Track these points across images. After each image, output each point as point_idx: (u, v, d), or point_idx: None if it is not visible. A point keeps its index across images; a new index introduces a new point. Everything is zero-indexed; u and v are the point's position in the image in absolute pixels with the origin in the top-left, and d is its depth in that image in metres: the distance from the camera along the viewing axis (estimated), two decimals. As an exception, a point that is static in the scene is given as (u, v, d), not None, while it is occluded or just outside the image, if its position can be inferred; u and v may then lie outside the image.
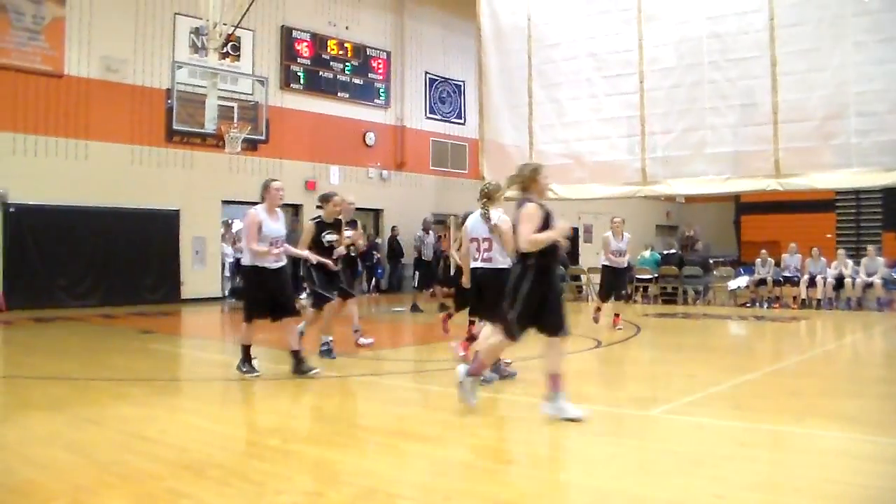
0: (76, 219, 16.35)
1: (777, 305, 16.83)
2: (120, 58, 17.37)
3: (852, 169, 14.17)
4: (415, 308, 16.47)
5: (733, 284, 18.24)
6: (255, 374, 7.78)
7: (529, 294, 5.76)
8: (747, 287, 17.76)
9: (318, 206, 9.54)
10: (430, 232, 17.63)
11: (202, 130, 18.20)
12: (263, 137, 19.63)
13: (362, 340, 10.23)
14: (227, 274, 19.64)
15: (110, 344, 11.28)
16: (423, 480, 4.39)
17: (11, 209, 15.65)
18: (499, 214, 7.46)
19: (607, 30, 17.18)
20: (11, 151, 15.72)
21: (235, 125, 18.46)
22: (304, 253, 8.66)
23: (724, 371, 8.31)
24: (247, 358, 7.85)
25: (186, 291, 18.22)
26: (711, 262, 19.55)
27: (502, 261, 7.27)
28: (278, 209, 7.90)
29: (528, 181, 6.15)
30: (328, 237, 9.15)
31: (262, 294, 7.66)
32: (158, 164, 17.93)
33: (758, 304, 17.17)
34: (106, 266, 16.86)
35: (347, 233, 9.62)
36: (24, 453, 4.93)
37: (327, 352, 9.04)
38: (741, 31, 15.42)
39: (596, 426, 5.90)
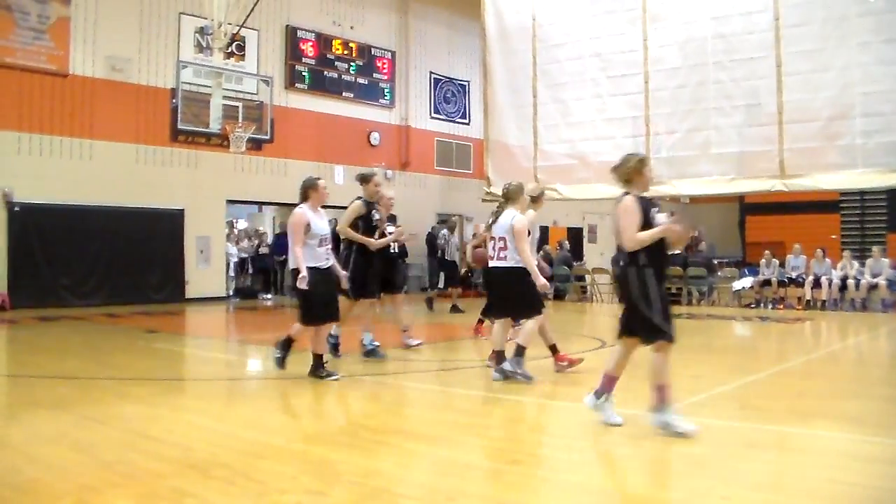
0: (81, 218, 16.37)
1: (781, 306, 16.80)
2: (125, 57, 17.39)
3: (857, 169, 14.16)
4: (455, 309, 16.08)
5: (738, 285, 18.19)
6: (335, 377, 7.42)
7: (660, 293, 5.36)
8: (752, 288, 17.71)
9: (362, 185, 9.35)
10: (454, 231, 17.33)
11: (207, 130, 18.24)
12: (268, 137, 19.64)
13: (410, 341, 9.89)
14: (232, 273, 19.66)
15: (115, 343, 11.29)
16: (428, 480, 4.39)
17: (16, 208, 15.67)
18: (513, 214, 7.40)
19: (612, 30, 17.18)
20: (16, 151, 15.75)
21: (240, 125, 18.49)
22: (363, 238, 8.66)
23: (730, 372, 8.29)
24: (319, 363, 7.49)
25: (191, 291, 18.23)
26: (716, 262, 19.51)
27: (514, 260, 7.30)
28: (320, 207, 7.70)
29: (633, 173, 5.86)
30: (377, 215, 9.02)
31: (318, 295, 7.31)
32: (163, 164, 17.95)
33: (762, 304, 17.14)
34: (110, 265, 16.88)
35: (389, 229, 9.45)
36: (29, 452, 4.93)
37: (372, 352, 8.72)
38: (746, 31, 15.41)
39: (600, 427, 5.89)
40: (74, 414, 6.09)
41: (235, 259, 19.67)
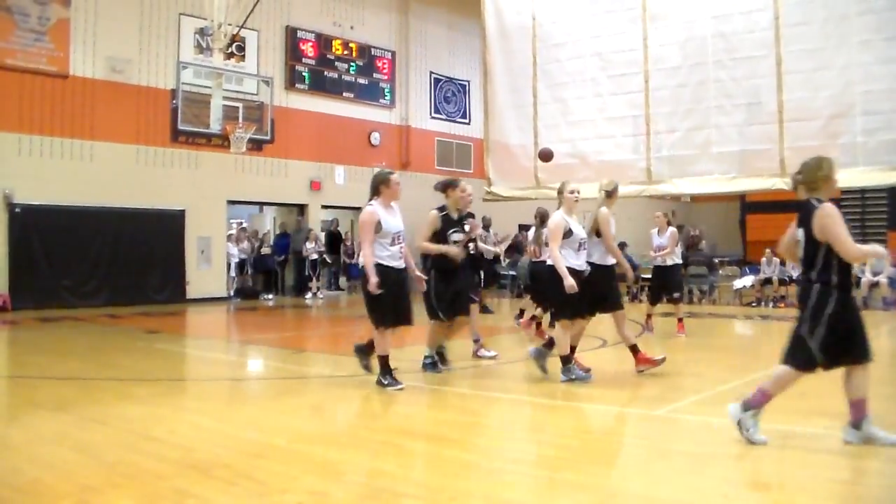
0: (82, 219, 16.37)
1: (782, 305, 16.79)
2: (125, 58, 17.39)
3: (858, 168, 14.13)
4: (485, 310, 15.91)
5: (739, 284, 18.20)
6: (399, 386, 6.90)
7: (834, 317, 4.87)
8: (752, 286, 17.71)
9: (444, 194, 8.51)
10: (490, 229, 16.41)
11: (207, 130, 18.25)
12: (268, 137, 19.66)
13: (483, 352, 9.14)
14: (234, 274, 19.66)
15: (116, 344, 11.29)
16: (429, 480, 4.39)
17: (17, 209, 15.67)
18: (559, 214, 7.29)
19: (612, 29, 17.16)
20: (17, 152, 15.75)
21: (240, 125, 18.50)
22: (441, 247, 7.88)
23: (731, 370, 8.29)
24: (386, 369, 6.98)
25: (192, 291, 18.24)
26: (717, 261, 19.52)
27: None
28: (394, 202, 7.22)
29: (820, 180, 5.39)
30: (455, 236, 8.09)
31: (387, 296, 6.81)
32: (164, 165, 17.95)
33: (763, 303, 17.14)
34: (111, 266, 16.89)
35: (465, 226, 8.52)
36: (31, 453, 4.94)
37: (432, 365, 7.97)
38: (747, 30, 15.39)
39: (603, 425, 5.90)
40: (75, 415, 6.09)
41: (236, 260, 19.65)
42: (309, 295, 20.15)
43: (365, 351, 7.46)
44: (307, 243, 20.37)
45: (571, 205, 7.38)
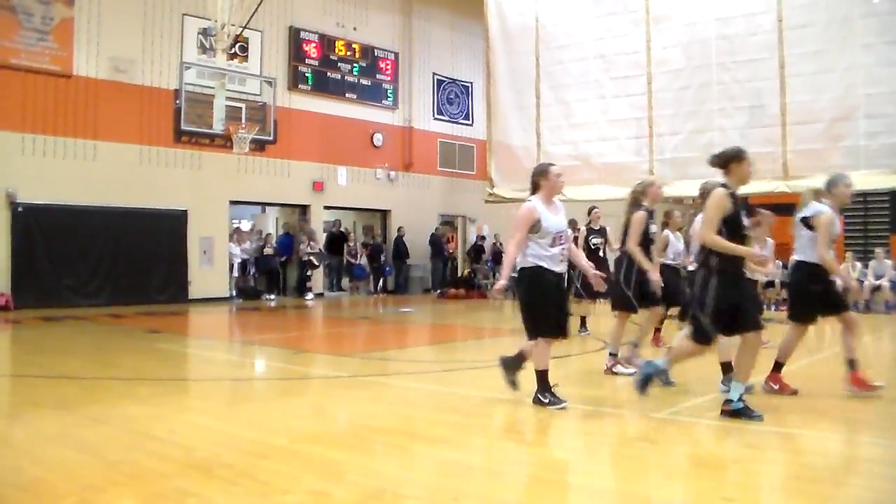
0: (84, 218, 16.40)
1: (785, 308, 16.76)
2: (128, 58, 17.41)
3: (860, 171, 14.10)
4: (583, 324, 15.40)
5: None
6: (562, 404, 6.14)
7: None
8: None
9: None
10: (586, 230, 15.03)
11: (210, 131, 18.29)
12: (271, 138, 19.68)
13: (620, 368, 7.98)
14: (236, 274, 19.68)
15: (118, 343, 11.30)
16: (431, 481, 4.39)
17: (20, 209, 15.70)
18: (699, 218, 7.10)
19: (615, 31, 17.16)
20: (20, 151, 15.78)
21: (243, 126, 18.53)
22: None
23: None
24: (545, 385, 6.21)
25: (194, 291, 18.25)
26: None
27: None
28: (556, 199, 6.53)
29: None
30: (654, 227, 7.92)
31: (549, 304, 6.21)
32: (166, 165, 17.97)
33: (766, 306, 17.11)
34: (114, 265, 16.91)
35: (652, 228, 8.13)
36: (33, 452, 4.94)
37: (741, 411, 5.80)
38: (749, 32, 15.39)
39: (604, 428, 5.89)
40: (78, 414, 6.09)
41: (238, 260, 19.67)
42: (310, 295, 20.14)
43: (513, 365, 6.59)
44: (300, 245, 20.40)
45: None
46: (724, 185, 5.90)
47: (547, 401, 6.13)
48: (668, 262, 9.45)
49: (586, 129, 17.59)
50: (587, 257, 10.95)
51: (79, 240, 16.37)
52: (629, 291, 7.83)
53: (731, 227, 5.68)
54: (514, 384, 6.53)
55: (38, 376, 8.03)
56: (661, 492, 4.19)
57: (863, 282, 16.18)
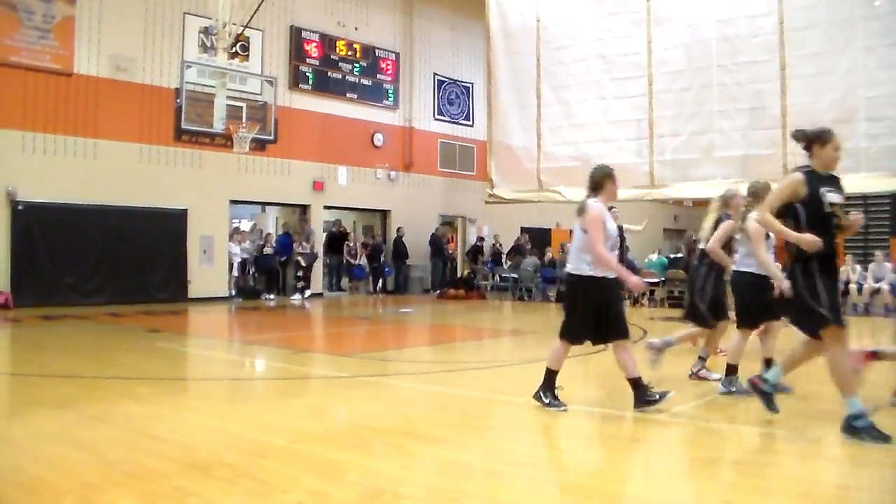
0: (85, 217, 16.40)
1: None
2: (129, 57, 17.42)
3: (861, 173, 14.11)
4: None
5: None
6: (562, 407, 6.10)
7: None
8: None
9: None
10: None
11: (211, 130, 18.29)
12: (272, 137, 19.68)
13: (709, 374, 7.64)
14: (236, 273, 19.68)
15: (118, 342, 11.31)
16: (430, 481, 4.39)
17: (20, 207, 15.69)
18: (752, 215, 6.68)
19: (616, 32, 17.16)
20: (21, 149, 15.78)
21: (244, 125, 18.53)
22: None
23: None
24: (552, 385, 6.18)
25: (194, 290, 18.25)
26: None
27: (745, 263, 6.83)
28: (611, 204, 6.49)
29: None
30: (830, 196, 6.50)
31: (592, 310, 6.09)
32: (167, 163, 17.97)
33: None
34: (114, 264, 16.91)
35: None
36: (33, 451, 4.94)
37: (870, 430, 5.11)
38: (751, 34, 15.39)
39: (603, 429, 5.89)
40: (77, 413, 6.09)
41: (238, 259, 19.66)
42: (296, 296, 19.99)
43: (641, 389, 6.07)
44: (294, 245, 20.39)
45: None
46: (805, 169, 5.46)
47: (548, 401, 6.10)
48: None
49: (587, 130, 17.59)
50: None
51: (79, 238, 16.37)
52: (703, 305, 7.60)
53: (811, 213, 5.26)
54: (646, 401, 6.02)
55: (38, 375, 8.03)
56: (660, 493, 4.19)
57: (862, 285, 16.17)
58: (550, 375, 6.16)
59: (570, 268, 6.23)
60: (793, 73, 14.83)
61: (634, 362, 6.09)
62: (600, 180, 6.23)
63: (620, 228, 11.88)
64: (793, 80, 14.83)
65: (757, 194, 6.83)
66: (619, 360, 6.10)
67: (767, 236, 6.56)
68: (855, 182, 14.58)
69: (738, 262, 7.00)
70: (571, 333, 6.17)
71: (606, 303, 6.07)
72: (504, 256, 23.65)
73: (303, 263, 20.31)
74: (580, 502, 4.07)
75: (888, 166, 13.92)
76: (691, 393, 6.90)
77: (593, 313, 6.05)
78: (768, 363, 6.91)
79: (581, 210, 6.14)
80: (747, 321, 6.99)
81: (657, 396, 5.98)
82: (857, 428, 5.06)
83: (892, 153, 13.91)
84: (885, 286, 15.91)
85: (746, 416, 6.18)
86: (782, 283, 5.78)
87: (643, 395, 5.97)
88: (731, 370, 6.91)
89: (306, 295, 20.11)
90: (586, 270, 6.03)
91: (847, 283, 16.26)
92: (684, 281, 18.23)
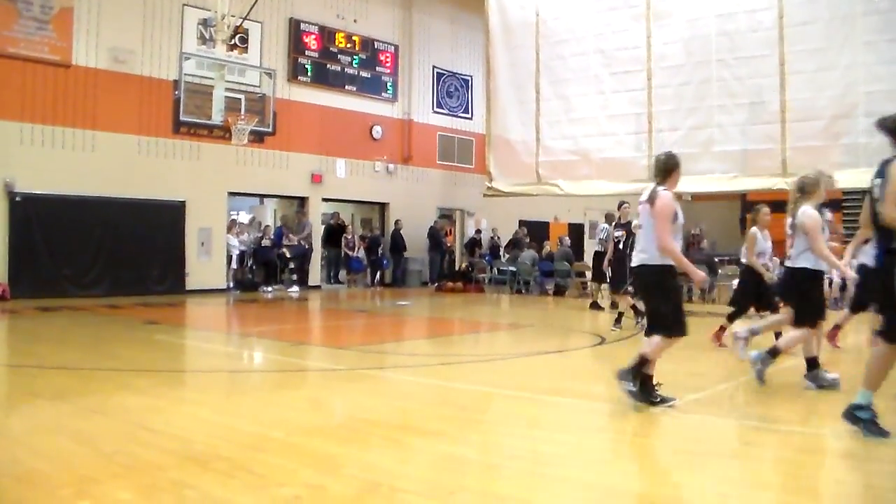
0: (83, 209, 16.36)
1: (782, 304, 16.77)
2: (128, 48, 17.36)
3: (860, 168, 14.11)
4: (595, 306, 15.51)
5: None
6: (673, 401, 5.98)
7: None
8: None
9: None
10: (615, 223, 13.68)
11: (209, 122, 18.26)
12: (270, 130, 19.65)
13: (827, 375, 6.98)
14: (235, 266, 19.66)
15: (115, 334, 11.30)
16: (427, 475, 4.40)
17: (18, 198, 15.66)
18: (805, 209, 6.66)
19: (616, 26, 17.18)
20: (19, 141, 15.74)
21: (242, 117, 18.49)
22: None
23: (730, 369, 8.28)
24: (639, 375, 5.92)
25: (192, 282, 18.23)
26: (717, 260, 19.48)
27: (801, 259, 6.66)
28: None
29: None
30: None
31: (679, 302, 6.09)
32: (165, 155, 17.94)
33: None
34: (112, 256, 16.88)
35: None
36: (30, 443, 4.94)
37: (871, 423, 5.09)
38: (750, 29, 15.40)
39: (600, 423, 5.90)
40: (75, 405, 6.09)
41: (237, 252, 19.64)
42: (294, 288, 19.88)
43: (636, 373, 5.99)
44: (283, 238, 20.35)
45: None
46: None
47: (658, 399, 5.91)
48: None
49: (586, 124, 17.60)
50: (603, 250, 11.08)
51: (77, 230, 16.33)
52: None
53: None
54: (657, 398, 5.99)
55: (36, 367, 8.02)
56: (657, 487, 4.20)
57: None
58: (643, 364, 5.93)
59: (645, 258, 5.98)
60: (792, 69, 14.84)
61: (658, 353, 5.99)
62: (668, 168, 6.04)
63: (629, 224, 11.95)
64: (792, 75, 14.85)
65: (804, 189, 6.79)
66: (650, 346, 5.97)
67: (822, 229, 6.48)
68: (855, 177, 14.63)
69: (794, 259, 6.80)
70: (676, 328, 5.90)
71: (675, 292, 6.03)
72: (502, 250, 23.65)
73: (287, 255, 20.25)
74: (577, 496, 4.08)
75: (888, 162, 13.94)
76: (687, 387, 6.90)
77: (672, 302, 5.98)
78: (812, 363, 6.84)
79: (651, 198, 5.94)
80: (811, 319, 6.80)
81: (659, 399, 5.92)
82: (858, 418, 5.05)
83: (891, 148, 13.93)
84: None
85: (743, 410, 6.19)
86: (847, 272, 6.20)
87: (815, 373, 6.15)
88: (814, 364, 6.86)
89: (293, 288, 19.97)
90: (663, 260, 5.88)
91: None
92: (682, 275, 18.27)
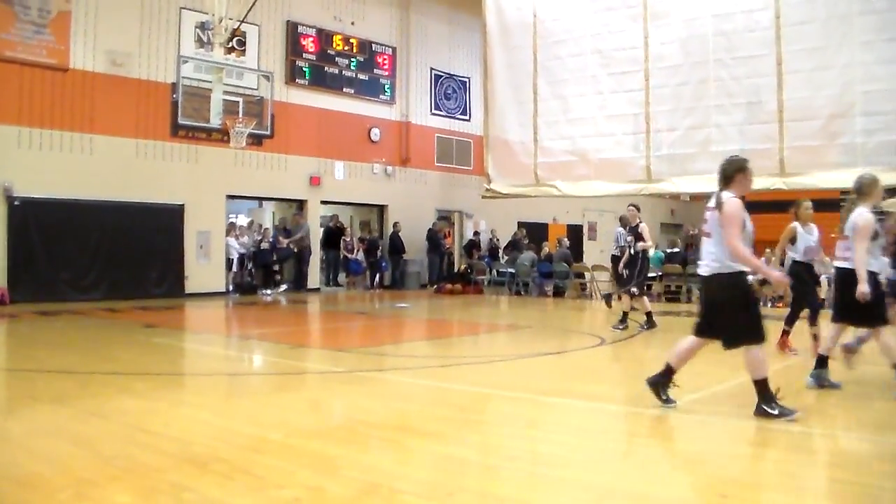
0: (81, 212, 16.35)
1: (781, 304, 16.78)
2: (125, 52, 17.36)
3: (858, 168, 14.10)
4: (608, 298, 15.45)
5: (737, 283, 18.11)
6: (796, 414, 5.62)
7: None
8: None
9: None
10: (628, 227, 13.48)
11: (207, 125, 18.24)
12: (268, 132, 19.65)
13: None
14: (235, 269, 19.65)
15: (114, 338, 11.28)
16: (426, 476, 4.39)
17: (16, 202, 15.65)
18: (861, 212, 6.53)
19: (613, 27, 17.18)
20: (17, 145, 15.73)
21: (240, 120, 18.48)
22: None
23: (729, 369, 8.26)
24: (769, 394, 5.66)
25: (191, 286, 18.22)
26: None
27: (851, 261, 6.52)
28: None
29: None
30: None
31: (753, 306, 5.87)
32: (163, 159, 17.93)
33: (762, 302, 17.12)
34: (110, 260, 16.87)
35: None
36: (29, 446, 4.94)
37: None
38: (748, 28, 15.41)
39: (600, 423, 5.90)
40: (74, 408, 6.09)
41: (236, 254, 19.62)
42: (268, 291, 19.86)
43: (664, 382, 6.00)
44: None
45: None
46: None
47: (776, 412, 5.58)
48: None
49: (583, 125, 17.61)
50: (620, 254, 11.10)
51: (75, 234, 16.32)
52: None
53: None
54: (668, 400, 5.96)
55: (35, 370, 8.02)
56: (657, 487, 4.19)
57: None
58: (763, 386, 5.66)
59: (717, 267, 5.78)
60: (789, 68, 14.85)
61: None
62: (732, 174, 5.87)
63: (636, 227, 11.97)
64: (789, 74, 14.86)
65: (862, 190, 6.66)
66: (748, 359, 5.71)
67: (875, 236, 6.45)
68: (852, 176, 14.60)
69: (846, 258, 6.70)
70: (752, 334, 5.67)
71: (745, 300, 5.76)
72: (501, 251, 23.67)
73: (273, 258, 20.25)
74: (577, 497, 4.07)
75: (885, 161, 13.94)
76: (685, 387, 6.90)
77: (751, 309, 5.75)
78: (822, 362, 6.82)
79: (718, 204, 5.77)
80: (881, 318, 6.63)
81: (776, 411, 5.57)
82: None
83: (889, 148, 13.94)
84: (882, 280, 15.91)
85: (743, 410, 6.18)
86: (864, 290, 6.14)
87: (768, 400, 5.63)
88: (824, 363, 6.84)
89: (279, 290, 19.96)
90: (734, 267, 5.69)
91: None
92: (681, 275, 18.29)
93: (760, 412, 5.60)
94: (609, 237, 28.86)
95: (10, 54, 15.58)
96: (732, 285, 5.72)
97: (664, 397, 5.91)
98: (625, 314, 11.96)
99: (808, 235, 8.92)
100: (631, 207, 12.42)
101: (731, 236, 5.59)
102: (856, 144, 14.21)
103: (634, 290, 11.83)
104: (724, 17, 15.66)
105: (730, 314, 5.74)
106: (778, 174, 14.88)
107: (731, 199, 5.72)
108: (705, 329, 5.91)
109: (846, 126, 14.39)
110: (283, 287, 20.15)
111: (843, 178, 14.89)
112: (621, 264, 12.22)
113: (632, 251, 11.95)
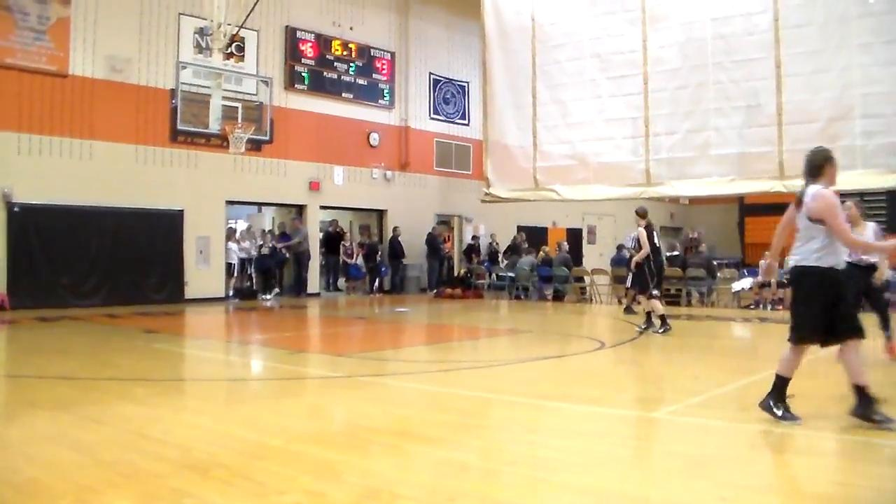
0: (80, 218, 16.35)
1: (781, 307, 16.78)
2: (124, 58, 17.38)
3: (857, 171, 14.15)
4: (629, 310, 15.29)
5: (737, 286, 18.18)
6: (797, 421, 5.51)
7: None
8: (751, 289, 17.69)
9: None
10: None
11: (206, 130, 18.21)
12: (268, 138, 19.63)
13: None
14: (235, 274, 19.64)
15: (114, 344, 11.28)
16: (427, 481, 4.39)
17: (16, 208, 15.65)
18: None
19: (612, 31, 17.20)
20: (16, 151, 15.74)
21: (240, 125, 18.46)
22: None
23: (729, 372, 8.29)
24: (781, 397, 5.61)
25: (190, 291, 18.22)
26: (715, 263, 19.52)
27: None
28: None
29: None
30: None
31: (821, 304, 5.53)
32: (163, 164, 17.94)
33: (761, 305, 17.14)
34: (110, 266, 16.87)
35: None
36: (29, 452, 4.93)
37: None
38: (746, 32, 15.44)
39: (600, 427, 5.89)
40: (74, 414, 6.08)
41: (237, 260, 19.61)
42: (268, 296, 19.87)
43: (866, 399, 5.43)
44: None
45: None
46: None
47: (780, 413, 5.53)
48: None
49: (583, 129, 17.62)
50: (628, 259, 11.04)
51: (75, 240, 16.32)
52: None
53: None
54: (884, 420, 5.33)
55: (35, 377, 8.01)
56: (657, 491, 4.19)
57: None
58: (781, 383, 5.57)
59: (796, 260, 5.68)
60: (788, 71, 14.87)
61: (861, 366, 5.48)
62: (820, 164, 5.69)
63: (650, 228, 11.99)
64: (788, 77, 14.88)
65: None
66: (846, 361, 5.51)
67: None
68: (851, 179, 14.65)
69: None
70: (798, 334, 5.61)
71: (837, 297, 5.47)
72: (500, 255, 23.66)
73: (272, 263, 20.25)
74: (577, 501, 4.07)
75: (884, 163, 13.97)
76: (685, 391, 6.91)
77: (821, 310, 5.47)
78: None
79: (811, 198, 5.53)
80: None
81: (881, 418, 5.30)
82: None
83: (888, 150, 13.95)
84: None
85: (744, 413, 6.18)
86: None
87: (866, 408, 5.34)
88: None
89: (270, 295, 19.95)
90: (812, 261, 5.52)
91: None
92: (681, 279, 18.29)
93: (765, 407, 5.61)
94: (608, 241, 29.00)
95: (10, 61, 15.60)
96: (805, 280, 5.63)
97: (878, 418, 5.33)
98: (648, 314, 12.00)
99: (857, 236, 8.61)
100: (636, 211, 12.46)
101: (840, 228, 5.40)
102: (855, 147, 14.22)
103: (656, 291, 11.90)
104: (723, 20, 15.69)
105: (794, 309, 5.72)
106: (777, 177, 14.89)
107: (825, 192, 5.47)
108: (829, 331, 5.54)
109: (845, 129, 14.41)
110: (276, 291, 20.14)
111: (842, 181, 14.85)
112: (633, 264, 12.23)
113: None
